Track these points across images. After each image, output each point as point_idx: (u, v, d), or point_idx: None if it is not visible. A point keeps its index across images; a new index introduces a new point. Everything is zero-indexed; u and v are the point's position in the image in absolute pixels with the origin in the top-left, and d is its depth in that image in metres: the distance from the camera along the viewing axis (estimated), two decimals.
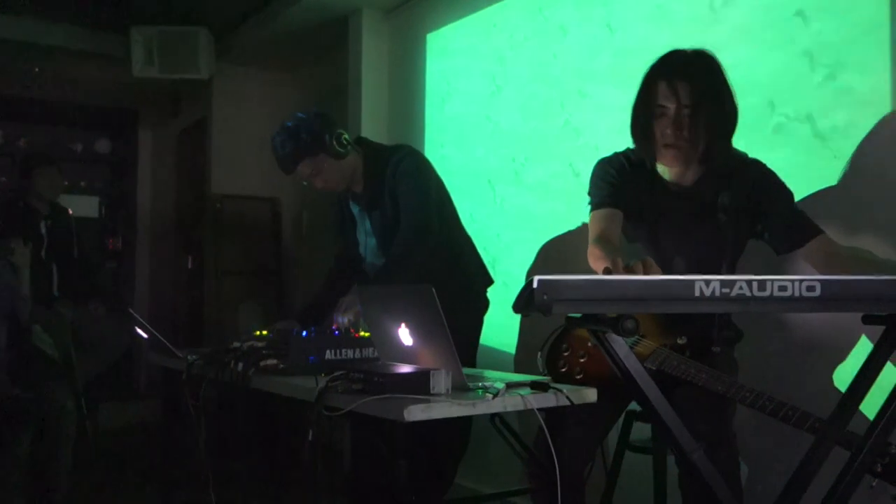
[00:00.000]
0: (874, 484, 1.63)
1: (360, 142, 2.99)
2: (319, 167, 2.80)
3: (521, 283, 1.21)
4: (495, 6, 3.84)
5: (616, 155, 2.28)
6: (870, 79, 2.36)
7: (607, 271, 1.65)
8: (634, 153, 2.24)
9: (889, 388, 1.34)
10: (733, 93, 2.09)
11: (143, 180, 6.97)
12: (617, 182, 2.20)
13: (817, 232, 2.06)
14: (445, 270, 2.82)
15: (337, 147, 2.76)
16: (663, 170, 2.22)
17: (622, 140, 2.26)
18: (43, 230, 4.51)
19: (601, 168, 2.27)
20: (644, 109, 2.11)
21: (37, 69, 5.88)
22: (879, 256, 1.96)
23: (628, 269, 1.60)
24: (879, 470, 1.65)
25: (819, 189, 2.43)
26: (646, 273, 1.58)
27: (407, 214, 2.77)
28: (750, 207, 2.12)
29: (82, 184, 6.64)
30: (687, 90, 2.03)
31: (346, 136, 2.80)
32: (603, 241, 2.09)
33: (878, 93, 2.35)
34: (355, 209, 3.00)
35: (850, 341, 2.34)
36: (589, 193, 2.26)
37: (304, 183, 2.88)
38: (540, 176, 3.56)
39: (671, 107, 2.05)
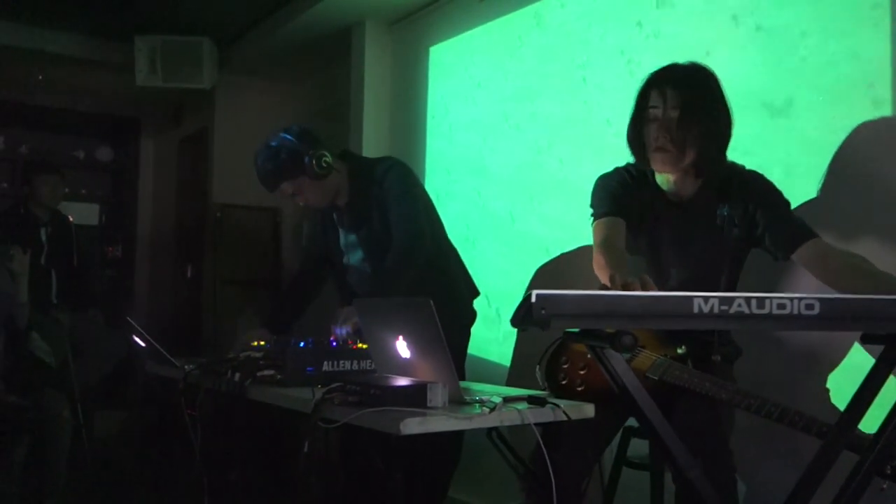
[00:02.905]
0: (884, 486, 1.61)
1: (345, 155, 2.99)
2: (300, 188, 2.83)
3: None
4: (499, 20, 3.85)
5: (617, 169, 2.33)
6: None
7: (605, 288, 1.65)
8: (635, 167, 2.28)
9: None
10: (727, 106, 2.15)
11: (144, 189, 6.97)
12: (619, 193, 2.25)
13: (812, 235, 2.08)
14: (434, 282, 2.82)
15: (316, 169, 2.77)
16: (663, 181, 2.25)
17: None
18: (43, 237, 4.52)
19: (603, 181, 2.31)
20: (638, 115, 2.19)
21: (40, 76, 5.89)
22: (874, 265, 1.96)
23: (625, 288, 1.60)
24: (889, 472, 1.63)
25: (801, 203, 2.44)
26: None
27: (398, 226, 2.78)
28: (748, 218, 2.15)
29: (83, 191, 6.64)
30: (674, 95, 2.11)
31: (328, 157, 2.80)
32: (607, 246, 2.11)
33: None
34: (340, 222, 3.00)
35: (843, 350, 2.35)
36: (591, 206, 2.29)
37: (291, 195, 2.90)
38: (544, 190, 3.56)
39: (659, 111, 2.13)
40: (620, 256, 2.07)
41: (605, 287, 1.66)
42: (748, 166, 2.25)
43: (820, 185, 2.48)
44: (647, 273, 2.17)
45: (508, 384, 3.31)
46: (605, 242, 2.12)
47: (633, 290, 1.59)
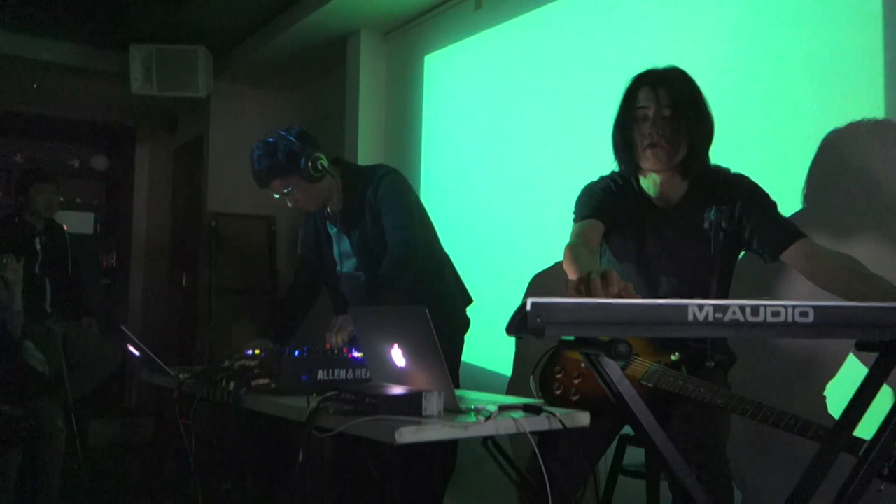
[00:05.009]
0: (882, 487, 1.60)
1: (338, 162, 2.99)
2: (291, 187, 2.82)
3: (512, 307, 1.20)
4: (493, 29, 3.87)
5: (602, 177, 2.34)
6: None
7: (570, 285, 1.61)
8: (620, 175, 2.29)
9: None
10: (709, 107, 2.17)
11: (139, 197, 6.97)
12: (601, 199, 2.25)
13: (800, 235, 2.08)
14: (427, 290, 2.82)
15: (311, 171, 2.76)
16: (649, 185, 2.25)
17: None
18: (37, 246, 4.50)
19: (587, 189, 2.32)
20: (626, 116, 2.20)
21: (35, 85, 5.89)
22: (864, 266, 1.96)
23: (582, 281, 1.56)
24: (886, 473, 1.62)
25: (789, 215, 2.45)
26: (604, 288, 1.55)
27: (393, 235, 2.77)
28: (736, 221, 2.15)
29: (78, 200, 6.65)
30: (666, 93, 2.14)
31: (324, 160, 2.79)
32: (578, 244, 2.10)
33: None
34: (332, 229, 3.00)
35: (840, 359, 2.35)
36: (573, 212, 2.29)
37: (276, 196, 2.88)
38: (535, 198, 3.57)
39: (651, 108, 2.15)
40: (586, 253, 2.03)
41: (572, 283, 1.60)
42: (749, 169, 2.26)
43: (802, 196, 2.49)
44: (637, 281, 2.18)
45: (509, 393, 3.31)
46: (574, 241, 2.12)
47: (594, 286, 1.55)
